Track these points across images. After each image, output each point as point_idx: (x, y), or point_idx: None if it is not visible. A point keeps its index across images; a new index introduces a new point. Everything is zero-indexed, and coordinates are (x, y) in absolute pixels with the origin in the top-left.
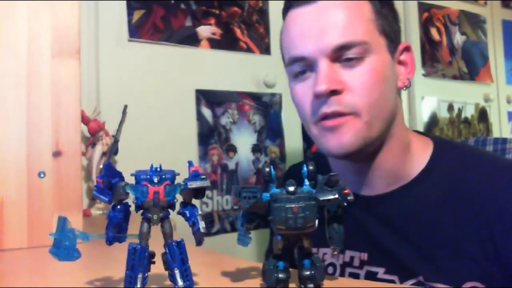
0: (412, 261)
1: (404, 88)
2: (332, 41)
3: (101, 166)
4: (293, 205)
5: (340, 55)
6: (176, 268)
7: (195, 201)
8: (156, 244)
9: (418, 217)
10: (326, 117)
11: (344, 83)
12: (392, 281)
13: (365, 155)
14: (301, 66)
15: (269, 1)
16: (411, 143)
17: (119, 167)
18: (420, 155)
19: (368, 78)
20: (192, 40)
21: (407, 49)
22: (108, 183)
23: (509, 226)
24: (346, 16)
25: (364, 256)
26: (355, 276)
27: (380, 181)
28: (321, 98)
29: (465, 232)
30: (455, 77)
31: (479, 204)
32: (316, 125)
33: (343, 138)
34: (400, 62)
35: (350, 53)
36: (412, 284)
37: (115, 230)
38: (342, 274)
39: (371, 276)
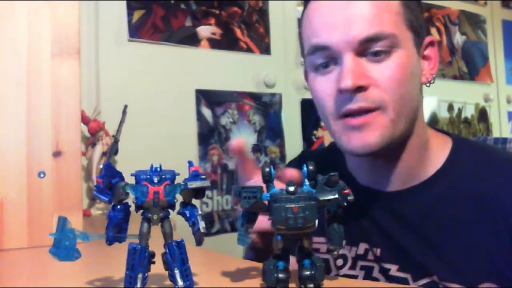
0: (427, 260)
1: (428, 84)
2: (360, 33)
3: (101, 166)
4: (293, 205)
5: (366, 48)
6: (176, 268)
7: (195, 201)
8: (156, 244)
9: (434, 216)
10: (350, 114)
11: (371, 78)
12: (405, 279)
13: (383, 152)
14: (323, 57)
15: (269, 1)
16: (430, 140)
17: (119, 167)
18: (438, 153)
19: (396, 73)
20: (192, 40)
21: (432, 43)
22: (108, 183)
23: None
24: (374, 8)
25: (377, 251)
26: (368, 269)
27: (397, 178)
28: (345, 93)
29: (482, 231)
30: (455, 77)
31: (497, 204)
32: (338, 121)
33: (368, 138)
34: (424, 57)
35: (378, 46)
36: (425, 284)
37: (115, 230)
38: (353, 267)
39: (383, 272)
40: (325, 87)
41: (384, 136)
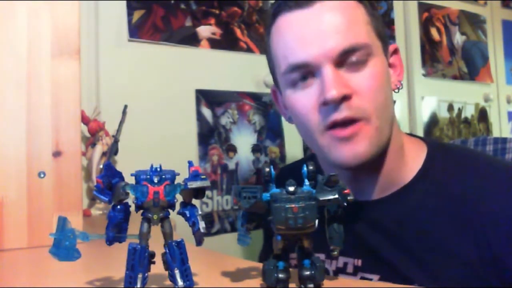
0: (407, 268)
1: (396, 91)
2: (337, 45)
3: (101, 166)
4: (293, 205)
5: (344, 59)
6: (176, 268)
7: (195, 201)
8: (156, 244)
9: (412, 223)
10: (335, 125)
11: (352, 87)
12: None
13: (371, 160)
14: (301, 73)
15: (269, 1)
16: (405, 146)
17: (119, 167)
18: (414, 159)
19: (374, 81)
20: (192, 40)
21: (396, 51)
22: (108, 183)
23: (506, 230)
24: (346, 20)
25: (358, 262)
26: None
27: (376, 186)
28: (329, 105)
29: (461, 237)
30: (455, 77)
31: (474, 208)
32: (324, 134)
33: (358, 148)
34: (390, 65)
35: (355, 56)
36: None
37: (115, 230)
38: None
39: None
40: (306, 101)
41: (373, 144)
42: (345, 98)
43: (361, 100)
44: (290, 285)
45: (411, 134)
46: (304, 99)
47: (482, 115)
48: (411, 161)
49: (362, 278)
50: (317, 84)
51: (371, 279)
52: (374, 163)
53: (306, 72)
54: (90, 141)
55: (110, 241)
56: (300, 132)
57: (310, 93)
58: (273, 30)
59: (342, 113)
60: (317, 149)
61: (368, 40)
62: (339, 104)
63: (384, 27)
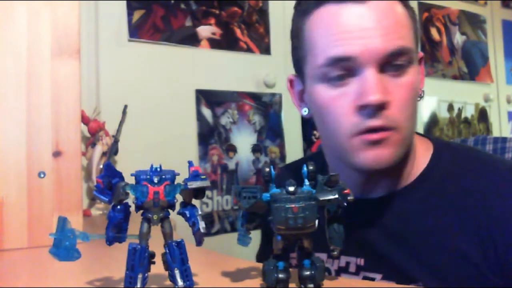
0: (410, 267)
1: (418, 99)
2: (386, 46)
3: (101, 166)
4: (293, 205)
5: (388, 62)
6: (176, 268)
7: (195, 201)
8: (156, 244)
9: (415, 221)
10: (369, 130)
11: (391, 94)
12: None
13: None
14: (341, 69)
15: (269, 1)
16: (415, 145)
17: (119, 167)
18: (420, 158)
19: (410, 91)
20: (192, 40)
21: (422, 59)
22: (108, 183)
23: (510, 229)
24: (397, 21)
25: (361, 261)
26: None
27: (380, 184)
28: (367, 109)
29: (464, 235)
30: (455, 77)
31: (478, 207)
32: (354, 138)
33: (384, 154)
34: None
35: (398, 61)
36: None
37: (115, 230)
38: None
39: None
40: (342, 102)
41: (397, 153)
42: (384, 104)
43: (396, 109)
44: (290, 285)
45: (418, 133)
46: (339, 98)
47: (482, 115)
48: (418, 160)
49: (365, 277)
50: (355, 85)
51: (373, 279)
52: (391, 167)
53: (345, 68)
54: (90, 141)
55: (110, 241)
56: (321, 129)
57: (347, 93)
58: (314, 16)
59: (378, 121)
60: (340, 149)
61: (412, 45)
62: (377, 110)
63: (419, 34)
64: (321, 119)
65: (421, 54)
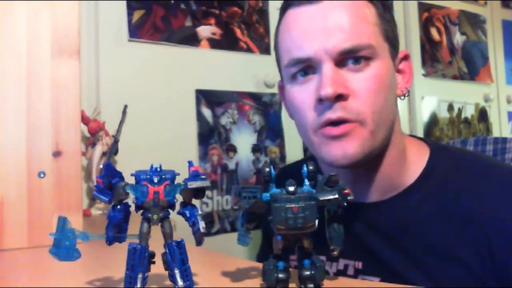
0: (408, 271)
1: (402, 97)
2: (339, 44)
3: (101, 166)
4: (293, 205)
5: (345, 58)
6: (176, 268)
7: (195, 201)
8: (156, 244)
9: (413, 225)
10: (329, 124)
11: (350, 88)
12: None
13: (363, 163)
14: (302, 67)
15: (269, 1)
16: (407, 149)
17: (119, 167)
18: (416, 162)
19: (374, 84)
20: (192, 40)
21: (406, 57)
22: (108, 183)
23: (506, 234)
24: (353, 19)
25: (359, 264)
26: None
27: (376, 189)
28: (325, 102)
29: (461, 240)
30: (455, 77)
31: (475, 212)
32: (317, 132)
33: (348, 147)
34: (399, 71)
35: (356, 57)
36: None
37: (115, 230)
38: None
39: None
40: (304, 96)
41: (364, 147)
42: (341, 97)
43: (358, 102)
44: (290, 285)
45: (413, 136)
46: (302, 94)
47: (482, 115)
48: (413, 164)
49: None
50: (316, 80)
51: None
52: (372, 166)
53: (307, 67)
54: (90, 141)
55: (110, 241)
56: (297, 128)
57: (309, 88)
58: (282, 25)
59: (336, 113)
60: (310, 146)
61: (373, 41)
62: (334, 103)
63: (395, 31)
64: (294, 118)
65: (404, 52)
